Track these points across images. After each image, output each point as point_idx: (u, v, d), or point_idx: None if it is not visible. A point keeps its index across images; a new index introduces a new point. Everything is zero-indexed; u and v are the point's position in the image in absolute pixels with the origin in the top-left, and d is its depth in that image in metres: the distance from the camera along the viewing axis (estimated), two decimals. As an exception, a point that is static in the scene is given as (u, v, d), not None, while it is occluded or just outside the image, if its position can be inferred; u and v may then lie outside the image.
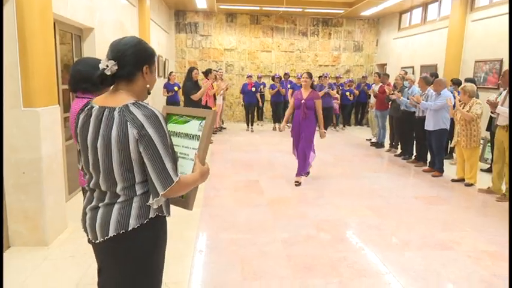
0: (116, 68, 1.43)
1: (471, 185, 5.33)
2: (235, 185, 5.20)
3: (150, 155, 1.38)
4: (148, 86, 1.54)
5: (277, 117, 10.43)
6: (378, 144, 8.26)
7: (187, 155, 1.80)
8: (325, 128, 9.00)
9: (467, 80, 6.24)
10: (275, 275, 2.85)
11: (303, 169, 5.27)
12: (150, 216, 1.47)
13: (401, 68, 10.35)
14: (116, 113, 1.40)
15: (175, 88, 8.68)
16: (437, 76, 7.00)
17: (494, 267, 3.05)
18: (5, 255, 3.03)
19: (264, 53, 11.93)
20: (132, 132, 1.37)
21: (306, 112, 5.07)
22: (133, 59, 1.46)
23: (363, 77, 11.57)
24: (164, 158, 1.39)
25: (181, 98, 8.65)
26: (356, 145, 8.63)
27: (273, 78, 10.25)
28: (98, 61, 2.16)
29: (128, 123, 1.37)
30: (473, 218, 4.18)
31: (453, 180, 5.60)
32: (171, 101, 8.57)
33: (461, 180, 5.53)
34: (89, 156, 1.48)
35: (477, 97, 5.44)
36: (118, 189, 1.45)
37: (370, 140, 9.03)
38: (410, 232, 3.72)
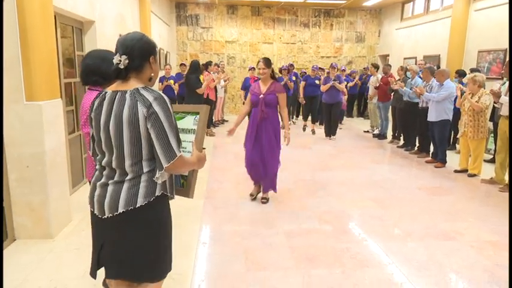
0: (127, 61, 1.59)
1: (474, 175, 5.33)
2: (238, 177, 5.21)
3: (157, 131, 1.53)
4: (152, 74, 1.70)
5: None
6: (381, 136, 8.25)
7: (185, 148, 1.92)
8: (334, 128, 8.02)
9: (472, 70, 6.19)
10: (278, 266, 2.87)
11: (271, 185, 4.22)
12: (156, 194, 1.60)
13: (404, 58, 10.29)
14: (127, 95, 1.56)
15: (171, 81, 8.10)
16: (439, 67, 6.95)
17: (497, 256, 3.06)
18: (11, 248, 3.07)
19: (265, 45, 11.86)
20: (142, 111, 1.52)
21: (263, 110, 3.96)
22: (141, 52, 1.62)
23: (364, 68, 11.48)
24: (169, 134, 1.54)
25: (176, 88, 8.41)
26: (358, 137, 8.61)
27: (280, 71, 9.17)
28: (105, 52, 2.22)
29: (138, 102, 1.53)
30: (476, 208, 4.18)
31: (456, 171, 5.59)
32: (168, 96, 7.88)
33: (464, 171, 5.52)
34: (101, 136, 1.62)
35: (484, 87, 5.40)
36: (127, 165, 1.58)
37: (368, 131, 9.03)
38: (413, 223, 3.73)
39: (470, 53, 7.69)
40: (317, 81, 8.76)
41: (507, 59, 6.27)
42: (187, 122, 1.85)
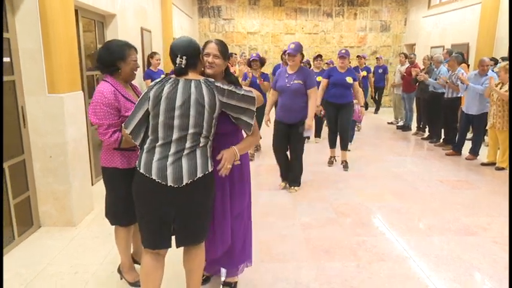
0: (185, 62, 1.90)
1: (502, 169, 5.11)
2: (257, 169, 5.22)
3: (234, 98, 1.96)
4: (203, 68, 2.08)
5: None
6: (405, 127, 8.05)
7: None
8: (297, 175, 4.35)
9: (504, 59, 5.90)
10: (292, 257, 2.86)
11: (242, 257, 2.39)
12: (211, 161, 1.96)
13: (431, 47, 9.93)
14: (202, 83, 1.89)
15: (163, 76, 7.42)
16: (463, 55, 6.64)
17: (522, 253, 2.93)
18: (36, 234, 3.20)
19: (287, 36, 11.72)
20: (218, 97, 1.89)
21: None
22: (195, 53, 1.96)
23: (376, 58, 10.24)
24: (239, 91, 1.98)
25: None
26: (382, 128, 8.43)
27: (249, 63, 5.60)
28: (115, 44, 2.25)
29: (214, 90, 1.89)
30: (502, 202, 4.01)
31: (483, 164, 5.39)
32: None
33: (492, 164, 5.31)
34: (176, 115, 1.83)
35: None
36: (202, 138, 1.89)
37: (392, 123, 8.82)
38: (434, 216, 3.63)
39: (501, 41, 7.33)
40: (348, 79, 5.02)
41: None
42: None
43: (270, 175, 4.93)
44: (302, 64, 4.21)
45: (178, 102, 1.83)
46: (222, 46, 2.12)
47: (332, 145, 5.38)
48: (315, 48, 11.71)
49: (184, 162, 1.84)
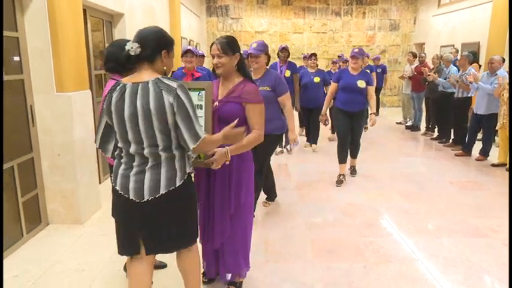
0: (140, 50, 1.66)
1: (513, 170, 5.03)
2: (264, 168, 5.20)
3: (182, 116, 1.63)
4: (165, 68, 1.77)
5: None
6: (414, 127, 7.97)
7: None
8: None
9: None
10: (298, 258, 2.85)
11: (238, 266, 2.35)
12: (187, 172, 1.78)
13: (441, 46, 9.82)
14: (150, 85, 1.62)
15: None
16: (475, 55, 6.54)
17: (533, 256, 2.88)
18: (44, 232, 3.23)
19: (295, 35, 11.69)
20: (168, 99, 1.60)
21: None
22: (154, 43, 1.69)
23: (373, 59, 9.80)
24: (193, 118, 1.65)
25: None
26: (390, 128, 8.36)
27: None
28: (127, 42, 2.26)
29: (163, 91, 1.61)
30: (513, 204, 3.95)
31: (493, 165, 5.31)
32: None
33: (503, 165, 5.23)
34: (127, 127, 1.66)
35: None
36: (160, 151, 1.68)
37: (401, 123, 8.74)
38: (443, 218, 3.58)
39: (513, 40, 7.21)
40: (360, 83, 4.38)
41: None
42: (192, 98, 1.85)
43: (276, 174, 4.90)
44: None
45: (126, 113, 1.63)
46: (225, 43, 2.09)
47: (342, 160, 4.61)
48: (323, 47, 11.66)
49: (147, 176, 1.68)
